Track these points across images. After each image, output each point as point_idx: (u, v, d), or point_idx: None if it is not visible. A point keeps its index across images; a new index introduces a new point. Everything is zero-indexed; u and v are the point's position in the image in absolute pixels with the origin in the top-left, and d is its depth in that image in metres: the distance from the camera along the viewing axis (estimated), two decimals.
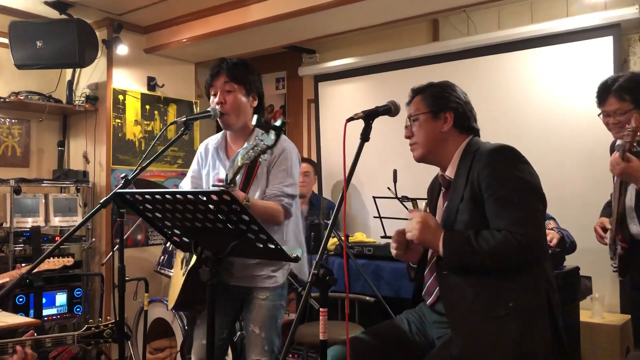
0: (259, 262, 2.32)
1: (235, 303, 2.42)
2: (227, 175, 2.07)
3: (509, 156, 1.81)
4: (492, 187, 1.75)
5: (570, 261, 2.76)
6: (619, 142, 2.54)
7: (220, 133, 2.52)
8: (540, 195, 1.79)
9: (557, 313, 1.75)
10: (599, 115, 2.53)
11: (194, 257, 2.18)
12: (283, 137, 2.37)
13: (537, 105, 3.76)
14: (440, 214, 1.95)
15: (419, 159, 2.00)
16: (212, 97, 2.39)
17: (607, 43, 3.55)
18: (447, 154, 1.94)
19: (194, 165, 2.57)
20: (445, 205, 1.91)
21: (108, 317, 2.23)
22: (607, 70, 3.52)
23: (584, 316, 3.16)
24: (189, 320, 3.60)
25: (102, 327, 2.17)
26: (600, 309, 3.28)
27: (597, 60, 3.58)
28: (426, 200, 2.05)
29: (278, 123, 1.85)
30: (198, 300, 2.30)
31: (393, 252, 1.96)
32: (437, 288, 1.86)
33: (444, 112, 1.93)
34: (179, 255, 2.47)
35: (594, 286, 3.06)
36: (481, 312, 1.70)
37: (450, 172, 1.93)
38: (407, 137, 2.00)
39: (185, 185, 2.58)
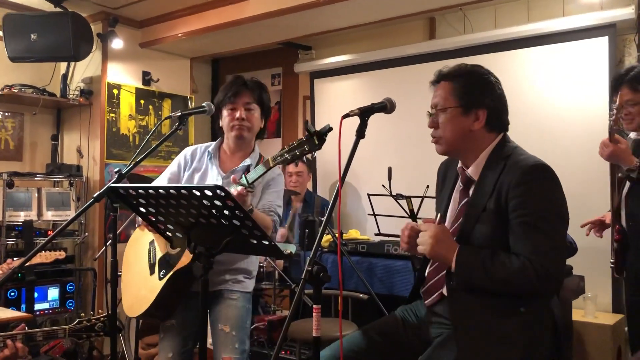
0: (232, 269, 2.36)
1: (202, 314, 2.42)
2: (245, 176, 2.08)
3: (546, 178, 1.68)
4: (522, 210, 1.64)
5: None
6: (632, 134, 2.54)
7: (215, 142, 2.54)
8: (566, 221, 1.72)
9: (558, 323, 1.72)
10: (611, 108, 2.48)
11: (178, 259, 2.17)
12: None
13: (533, 105, 3.76)
14: (454, 211, 1.87)
15: (443, 154, 1.89)
16: (227, 111, 2.41)
17: (602, 43, 3.55)
18: (473, 152, 1.81)
19: (173, 167, 2.55)
20: (462, 205, 1.83)
21: (100, 311, 2.22)
22: (602, 71, 3.53)
23: (577, 315, 3.17)
24: None
25: (93, 320, 2.16)
26: (593, 308, 3.29)
27: (593, 61, 3.58)
28: (439, 215, 1.90)
29: (324, 130, 1.83)
30: (166, 305, 2.27)
31: (403, 246, 1.87)
32: (439, 292, 1.82)
33: (476, 109, 1.78)
34: (140, 259, 2.40)
35: (586, 285, 3.07)
36: (487, 327, 1.66)
37: (473, 172, 1.81)
38: (432, 127, 1.84)
39: (161, 183, 2.53)
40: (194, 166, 2.50)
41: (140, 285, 2.33)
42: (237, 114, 2.38)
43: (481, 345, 1.64)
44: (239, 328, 2.33)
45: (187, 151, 2.56)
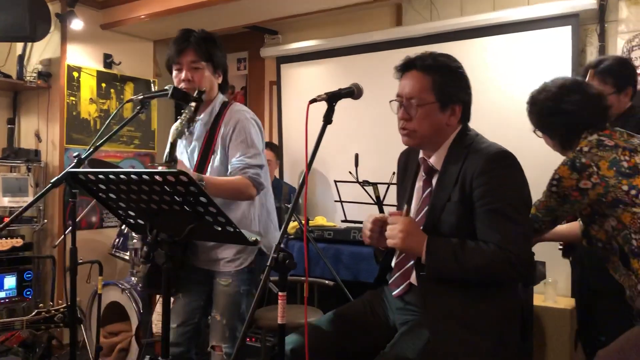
0: (222, 243, 2.27)
1: (204, 286, 2.37)
2: (165, 154, 2.03)
3: (509, 166, 1.70)
4: (487, 198, 1.65)
5: None
6: None
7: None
8: (530, 207, 1.74)
9: (525, 312, 1.76)
10: None
11: None
12: (236, 107, 2.35)
13: (498, 93, 3.79)
14: (418, 200, 1.86)
15: (411, 146, 1.87)
16: (175, 71, 2.30)
17: (565, 33, 3.60)
18: (438, 142, 1.81)
19: None
20: (425, 195, 1.83)
21: (60, 301, 2.16)
22: (565, 60, 3.58)
23: (537, 300, 3.24)
24: (144, 303, 3.53)
25: (52, 311, 2.10)
26: (553, 293, 3.36)
27: (556, 50, 3.63)
28: (406, 207, 1.84)
29: (195, 93, 1.95)
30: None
31: (366, 240, 1.85)
32: (406, 282, 1.82)
33: (453, 104, 1.77)
34: None
35: (547, 271, 3.13)
36: (458, 318, 1.66)
37: (435, 161, 1.81)
38: (404, 119, 1.80)
39: None
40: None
41: None
42: (182, 75, 2.26)
43: (453, 333, 1.65)
44: (230, 315, 2.27)
45: None
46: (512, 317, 1.72)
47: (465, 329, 1.65)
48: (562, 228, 2.28)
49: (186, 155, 2.38)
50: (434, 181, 1.82)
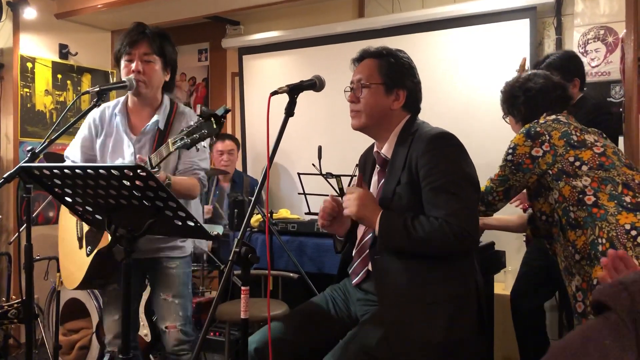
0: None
1: (141, 277, 2.44)
2: (150, 158, 2.00)
3: (448, 145, 1.77)
4: (431, 176, 1.72)
5: (485, 237, 2.86)
6: None
7: (119, 100, 2.40)
8: (476, 186, 1.79)
9: (481, 296, 1.79)
10: None
11: (102, 237, 2.09)
12: (184, 109, 2.37)
13: (459, 85, 3.84)
14: (375, 191, 1.92)
15: (358, 129, 1.91)
16: (124, 62, 2.27)
17: (524, 25, 3.67)
18: (386, 130, 1.89)
19: (83, 131, 2.39)
20: (380, 185, 1.89)
21: (13, 297, 2.09)
22: (523, 52, 3.63)
23: (498, 289, 3.30)
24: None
25: (6, 307, 2.02)
26: (513, 281, 3.43)
27: (515, 42, 3.69)
28: (358, 176, 1.98)
29: (220, 112, 1.74)
30: (101, 276, 2.24)
31: (320, 222, 1.93)
32: (365, 269, 1.85)
33: (397, 88, 1.86)
34: (69, 231, 2.34)
35: (507, 260, 3.20)
36: (413, 298, 1.70)
37: (386, 151, 1.89)
38: (351, 101, 1.89)
39: (74, 155, 2.40)
40: (105, 130, 2.36)
41: (71, 258, 2.29)
42: (133, 66, 2.23)
43: (406, 317, 1.69)
44: (180, 295, 2.34)
45: (96, 113, 2.38)
46: (466, 303, 1.75)
47: (415, 308, 1.70)
48: (512, 218, 2.49)
49: (133, 150, 2.33)
50: (387, 170, 1.88)
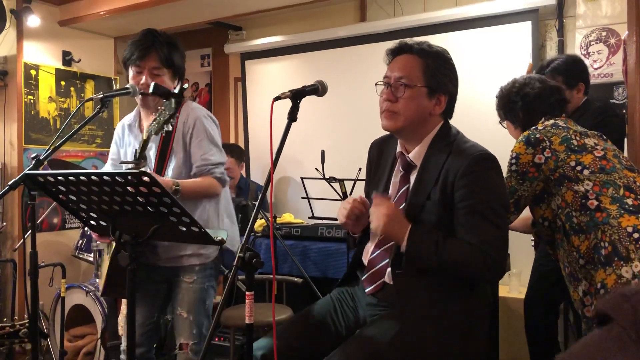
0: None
1: (163, 285, 2.37)
2: (135, 151, 2.01)
3: (490, 167, 1.68)
4: (469, 200, 1.64)
5: None
6: None
7: (134, 110, 2.43)
8: (508, 209, 1.76)
9: (493, 309, 1.78)
10: None
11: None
12: (193, 106, 2.36)
13: (461, 88, 3.82)
14: (394, 196, 1.82)
15: (391, 130, 1.79)
16: (132, 72, 2.28)
17: (526, 28, 3.67)
18: (419, 134, 1.77)
19: (113, 148, 2.48)
20: (403, 191, 1.80)
21: (23, 316, 2.08)
22: (525, 55, 3.65)
23: (502, 291, 3.30)
24: (109, 306, 3.47)
25: (17, 326, 2.00)
26: (517, 284, 3.43)
27: (517, 45, 3.69)
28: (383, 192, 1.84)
29: (177, 89, 1.83)
30: (121, 283, 2.23)
31: (341, 219, 1.81)
32: (381, 280, 1.79)
33: (439, 93, 1.75)
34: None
35: (512, 263, 3.19)
36: (429, 317, 1.66)
37: (415, 157, 1.78)
38: (387, 99, 1.75)
39: (107, 170, 2.48)
40: (125, 141, 2.41)
41: (105, 263, 2.28)
42: (142, 80, 2.24)
43: (422, 332, 1.65)
44: (197, 312, 2.27)
45: (118, 127, 2.47)
46: (480, 317, 1.73)
47: (434, 328, 1.65)
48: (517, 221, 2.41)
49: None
50: (412, 178, 1.79)
